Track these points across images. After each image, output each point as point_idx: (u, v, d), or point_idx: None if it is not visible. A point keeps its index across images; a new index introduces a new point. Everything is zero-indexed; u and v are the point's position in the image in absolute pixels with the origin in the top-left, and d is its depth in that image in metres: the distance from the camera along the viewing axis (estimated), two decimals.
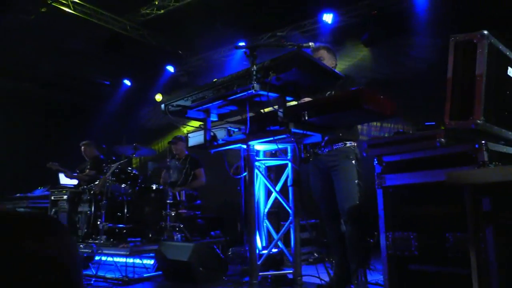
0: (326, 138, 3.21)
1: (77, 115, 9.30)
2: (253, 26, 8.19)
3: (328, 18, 7.46)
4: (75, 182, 6.82)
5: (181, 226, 5.31)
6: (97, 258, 5.05)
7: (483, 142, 2.16)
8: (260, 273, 2.75)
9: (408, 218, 2.42)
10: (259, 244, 2.91)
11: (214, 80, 2.73)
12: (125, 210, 5.44)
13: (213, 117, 3.00)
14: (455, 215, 2.19)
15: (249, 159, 2.73)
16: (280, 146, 2.80)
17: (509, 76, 2.41)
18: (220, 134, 2.91)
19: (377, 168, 2.57)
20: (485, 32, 2.15)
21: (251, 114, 2.72)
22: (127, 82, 9.65)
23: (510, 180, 1.65)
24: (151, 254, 4.86)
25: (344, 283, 3.24)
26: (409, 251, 2.39)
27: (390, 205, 2.49)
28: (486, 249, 2.09)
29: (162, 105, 2.98)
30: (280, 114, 2.44)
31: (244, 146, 2.73)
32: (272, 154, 3.30)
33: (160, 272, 4.73)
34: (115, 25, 8.26)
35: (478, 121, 2.09)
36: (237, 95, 2.49)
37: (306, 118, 2.40)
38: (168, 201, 5.32)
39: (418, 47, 6.62)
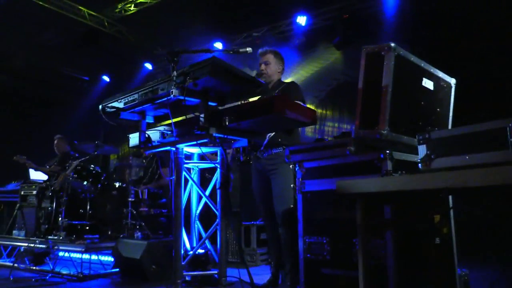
0: (265, 142, 3.29)
1: (53, 110, 9.33)
2: (229, 26, 8.25)
3: (302, 20, 7.52)
4: (45, 177, 6.85)
5: (142, 224, 5.36)
6: (60, 254, 5.12)
7: (387, 151, 2.23)
8: (186, 273, 2.81)
9: (322, 223, 2.49)
10: (187, 244, 2.97)
11: (149, 83, 2.79)
12: (88, 207, 5.49)
13: (149, 119, 3.05)
14: (372, 222, 2.26)
15: (177, 161, 2.79)
16: (209, 150, 2.86)
17: (424, 86, 2.48)
18: (156, 136, 2.96)
19: (298, 173, 2.64)
20: (392, 44, 2.22)
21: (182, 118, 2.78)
22: (105, 78, 9.67)
23: (389, 190, 1.72)
24: (110, 251, 4.91)
25: (277, 283, 3.32)
26: (322, 255, 2.46)
27: (308, 210, 2.56)
28: (386, 254, 2.17)
29: (100, 106, 3.03)
30: (201, 119, 2.49)
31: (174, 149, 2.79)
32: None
33: (118, 269, 4.78)
34: (92, 21, 8.29)
35: (383, 131, 2.16)
36: (162, 99, 2.54)
37: (227, 123, 2.46)
38: (129, 199, 5.37)
39: None
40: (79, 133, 8.83)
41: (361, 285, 1.82)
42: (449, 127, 2.72)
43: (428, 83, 2.50)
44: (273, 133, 3.29)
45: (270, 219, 3.42)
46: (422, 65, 2.46)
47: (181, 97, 2.38)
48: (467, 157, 1.59)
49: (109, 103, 2.95)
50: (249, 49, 2.97)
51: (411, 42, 6.12)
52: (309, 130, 7.85)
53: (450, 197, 2.66)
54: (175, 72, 2.40)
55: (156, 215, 5.84)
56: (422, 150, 1.72)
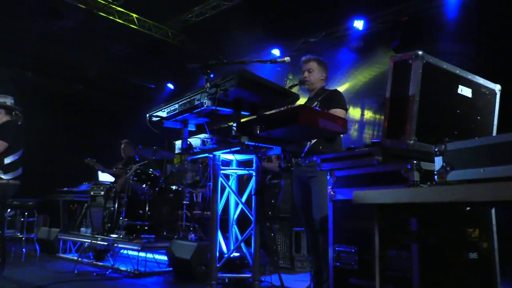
0: (305, 149, 3.32)
1: (122, 116, 9.95)
2: (286, 33, 8.34)
3: (359, 24, 7.43)
4: (112, 179, 7.35)
5: (196, 226, 5.59)
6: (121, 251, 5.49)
7: (414, 162, 2.18)
8: (221, 275, 2.93)
9: (351, 232, 2.48)
10: (224, 247, 3.08)
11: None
12: (146, 209, 5.83)
13: (191, 127, 3.21)
14: (393, 233, 2.23)
15: (214, 168, 2.92)
16: (244, 157, 2.96)
17: (460, 94, 2.39)
18: (197, 143, 3.12)
19: (330, 182, 2.65)
20: (420, 52, 2.17)
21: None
22: (170, 86, 10.15)
23: (409, 201, 1.70)
24: (164, 251, 5.18)
25: None
26: (350, 264, 2.45)
27: (338, 218, 2.56)
28: (411, 267, 2.13)
29: (147, 115, 3.24)
30: (234, 128, 2.60)
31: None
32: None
33: (171, 269, 5.04)
34: (157, 32, 8.78)
35: (409, 141, 2.13)
36: (198, 109, 2.68)
37: (258, 132, 2.54)
38: (184, 202, 5.62)
39: (448, 54, 6.40)
40: (145, 138, 9.36)
41: None
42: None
43: (465, 91, 2.41)
44: (314, 140, 3.32)
45: (310, 226, 3.44)
46: (457, 72, 2.37)
47: (214, 107, 2.49)
48: (482, 170, 1.53)
49: (154, 113, 3.14)
50: (287, 59, 3.03)
51: (473, 44, 5.84)
52: (367, 137, 7.72)
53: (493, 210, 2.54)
54: (208, 83, 2.52)
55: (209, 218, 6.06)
56: (439, 162, 1.69)
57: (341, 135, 3.54)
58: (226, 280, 3.24)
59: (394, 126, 2.22)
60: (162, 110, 3.05)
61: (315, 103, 3.60)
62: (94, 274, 4.74)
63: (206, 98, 2.49)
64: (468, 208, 2.36)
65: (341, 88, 7.32)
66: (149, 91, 10.52)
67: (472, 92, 2.46)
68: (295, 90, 3.14)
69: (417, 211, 2.07)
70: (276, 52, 8.71)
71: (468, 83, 2.44)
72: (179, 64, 9.75)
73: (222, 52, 9.33)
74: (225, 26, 8.46)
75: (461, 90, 2.40)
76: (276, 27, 8.17)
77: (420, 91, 2.16)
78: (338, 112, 3.27)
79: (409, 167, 2.19)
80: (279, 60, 3.03)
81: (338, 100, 3.49)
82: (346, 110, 3.48)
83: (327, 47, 7.89)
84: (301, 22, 7.93)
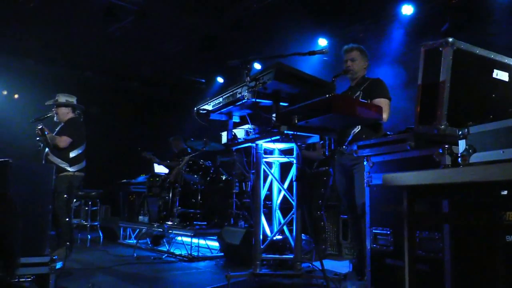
0: (349, 138, 3.42)
1: (174, 110, 10.39)
2: (333, 21, 8.33)
3: (407, 9, 7.28)
4: (167, 170, 7.77)
5: (245, 214, 5.83)
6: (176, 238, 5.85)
7: (446, 146, 2.24)
8: (265, 256, 3.12)
9: (387, 215, 2.58)
10: (267, 231, 3.27)
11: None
12: (198, 197, 6.14)
13: (236, 119, 3.41)
14: (423, 214, 2.30)
15: (256, 156, 3.11)
16: (286, 145, 3.12)
17: (496, 78, 2.41)
18: (242, 134, 3.32)
19: (366, 167, 2.76)
20: (450, 39, 2.22)
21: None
22: (220, 80, 10.44)
23: (443, 182, 1.78)
24: (215, 237, 5.46)
25: (360, 274, 3.44)
26: (386, 246, 2.55)
27: (374, 202, 2.67)
28: (443, 248, 2.21)
29: (195, 109, 3.48)
30: (273, 118, 2.76)
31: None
32: None
33: (222, 254, 5.31)
34: (207, 28, 9.07)
35: (440, 126, 2.19)
36: (239, 102, 2.87)
37: (296, 121, 2.69)
38: (234, 191, 5.87)
39: (502, 35, 6.16)
40: (196, 131, 9.74)
41: (406, 274, 1.91)
42: None
43: (501, 75, 2.42)
44: (358, 129, 3.40)
45: (352, 212, 3.54)
46: (492, 56, 2.39)
47: (254, 100, 2.67)
48: (502, 152, 1.60)
49: (201, 106, 3.37)
50: (325, 49, 3.15)
51: None
52: None
53: None
54: (248, 77, 2.70)
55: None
56: (462, 145, 1.76)
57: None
58: (271, 262, 3.43)
59: (425, 112, 2.29)
60: (208, 104, 3.27)
61: (358, 93, 3.67)
62: (152, 258, 5.11)
63: (246, 91, 2.66)
64: (505, 192, 2.38)
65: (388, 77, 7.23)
66: (200, 85, 10.89)
67: (509, 76, 2.46)
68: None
69: (449, 194, 2.14)
70: (323, 41, 8.72)
71: (505, 67, 2.45)
72: (228, 58, 10.04)
73: (270, 43, 9.47)
74: (272, 18, 8.60)
75: (497, 74, 2.41)
76: (323, 16, 8.19)
77: (451, 77, 2.22)
78: (382, 102, 3.32)
79: (440, 151, 2.26)
80: (317, 51, 3.14)
81: (381, 89, 3.54)
82: (390, 99, 3.51)
83: (375, 34, 7.80)
84: (348, 10, 7.90)
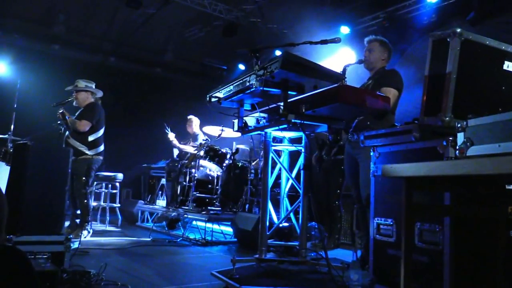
0: (353, 125, 3.41)
1: (196, 96, 10.48)
2: (355, 9, 8.23)
3: None
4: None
5: (260, 200, 5.88)
6: (191, 223, 5.97)
7: (450, 138, 2.22)
8: (271, 242, 3.18)
9: (390, 205, 2.58)
10: (274, 217, 3.32)
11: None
12: (214, 183, 6.24)
13: (247, 107, 3.44)
14: (423, 206, 2.30)
15: (265, 144, 3.14)
16: (294, 134, 3.14)
17: (507, 70, 2.36)
18: (252, 122, 3.36)
19: (372, 157, 2.76)
20: (458, 29, 2.19)
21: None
22: (241, 66, 10.47)
23: (437, 174, 1.78)
24: (229, 223, 5.55)
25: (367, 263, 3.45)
26: (389, 236, 2.56)
27: (379, 192, 2.67)
28: (443, 240, 2.21)
29: (207, 96, 3.53)
30: (281, 107, 2.78)
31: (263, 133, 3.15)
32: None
33: (235, 239, 5.40)
34: (228, 14, 9.09)
35: (445, 118, 2.17)
36: (249, 90, 2.90)
37: (304, 110, 2.71)
38: (249, 178, 5.94)
39: None
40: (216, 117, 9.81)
41: (402, 268, 1.92)
42: None
43: None
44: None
45: (359, 201, 3.55)
46: (503, 47, 2.34)
47: (262, 88, 2.69)
48: (498, 146, 1.59)
49: (213, 93, 3.42)
50: (337, 38, 3.13)
51: None
52: None
53: None
54: (257, 66, 2.72)
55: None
56: (460, 137, 1.75)
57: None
58: (278, 249, 3.48)
59: (431, 103, 2.27)
60: (220, 91, 3.31)
61: (369, 82, 3.66)
62: (167, 241, 5.24)
63: (255, 79, 2.69)
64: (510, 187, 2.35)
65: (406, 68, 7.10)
66: (221, 72, 10.95)
67: None
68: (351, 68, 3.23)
69: (451, 186, 2.13)
70: (345, 29, 8.62)
71: None
72: (250, 45, 10.04)
73: (293, 30, 9.42)
74: (294, 5, 8.55)
75: (508, 66, 2.36)
76: (345, 4, 8.10)
77: (459, 68, 2.19)
78: (388, 91, 3.30)
79: (444, 143, 2.24)
80: (329, 40, 3.13)
81: (390, 79, 3.51)
82: (399, 89, 3.48)
83: (397, 22, 7.66)
84: None
